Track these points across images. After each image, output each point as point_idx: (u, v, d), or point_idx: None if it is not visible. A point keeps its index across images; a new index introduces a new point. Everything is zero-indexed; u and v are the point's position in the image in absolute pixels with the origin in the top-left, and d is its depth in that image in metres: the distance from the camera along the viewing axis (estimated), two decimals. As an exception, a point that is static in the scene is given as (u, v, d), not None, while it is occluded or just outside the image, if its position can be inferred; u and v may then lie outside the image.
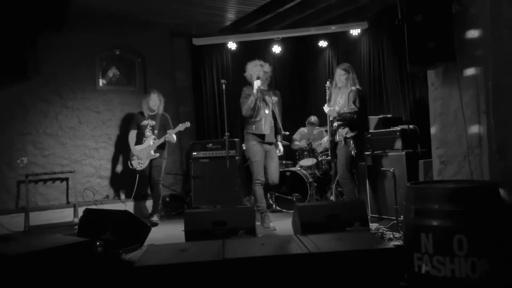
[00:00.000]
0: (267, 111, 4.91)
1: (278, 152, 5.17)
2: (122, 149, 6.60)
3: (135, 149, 5.86)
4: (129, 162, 5.90)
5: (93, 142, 6.46)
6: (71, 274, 3.14)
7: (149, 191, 6.24)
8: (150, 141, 5.81)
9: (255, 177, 4.86)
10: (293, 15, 6.51)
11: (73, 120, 6.33)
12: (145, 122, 5.88)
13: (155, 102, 5.87)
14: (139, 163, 5.81)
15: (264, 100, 4.92)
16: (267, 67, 5.01)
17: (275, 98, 5.06)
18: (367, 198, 5.19)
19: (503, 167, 3.12)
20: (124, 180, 6.60)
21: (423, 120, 4.89)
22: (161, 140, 5.77)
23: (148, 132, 5.87)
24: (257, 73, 4.85)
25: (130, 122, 6.28)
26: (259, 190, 4.87)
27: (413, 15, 3.29)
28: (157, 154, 5.79)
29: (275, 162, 5.02)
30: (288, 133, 5.43)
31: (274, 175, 5.01)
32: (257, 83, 4.78)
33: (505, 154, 3.13)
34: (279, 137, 5.19)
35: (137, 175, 5.85)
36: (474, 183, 3.07)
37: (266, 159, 4.96)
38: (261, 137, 4.90)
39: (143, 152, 5.80)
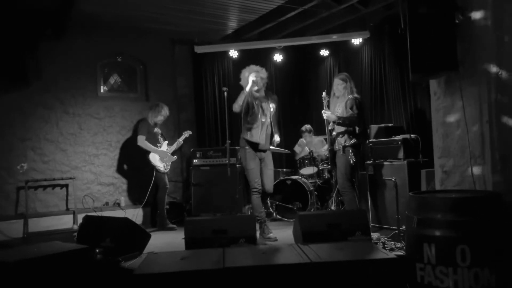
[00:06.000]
0: (263, 119, 4.84)
1: None
2: (123, 156, 6.60)
3: (161, 151, 5.96)
4: (154, 167, 5.87)
5: (93, 148, 6.44)
6: (70, 281, 3.11)
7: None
8: (165, 147, 6.05)
9: (251, 186, 4.78)
10: (295, 24, 6.54)
11: (74, 126, 6.32)
12: (156, 130, 6.07)
13: (166, 114, 6.14)
14: (164, 166, 5.96)
15: (261, 107, 4.85)
16: (263, 73, 4.91)
17: (273, 106, 4.95)
18: (368, 208, 5.16)
19: (506, 176, 3.11)
20: (125, 186, 6.61)
21: (424, 130, 4.89)
22: (175, 146, 6.11)
23: (160, 139, 6.10)
24: (253, 78, 4.75)
25: (132, 127, 6.50)
26: (256, 200, 4.78)
27: (416, 25, 3.29)
28: (175, 157, 6.13)
29: (269, 170, 4.93)
30: (278, 140, 5.04)
31: (268, 184, 4.92)
32: (251, 82, 4.71)
33: (508, 164, 3.12)
34: (273, 142, 5.01)
35: (152, 181, 5.89)
36: (477, 193, 3.05)
37: (261, 167, 4.87)
38: (255, 145, 4.80)
39: (166, 155, 5.99)
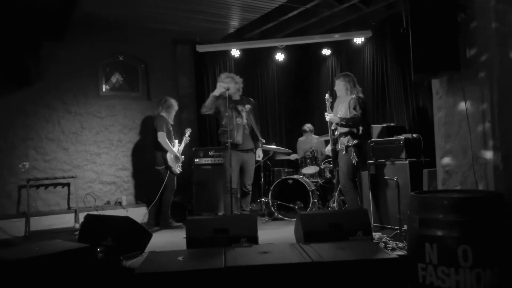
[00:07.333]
0: (239, 121, 5.21)
1: (258, 157, 5.49)
2: (124, 154, 6.61)
3: (175, 152, 5.78)
4: (169, 167, 5.65)
5: (95, 147, 6.45)
6: (71, 280, 3.11)
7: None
8: (177, 146, 5.91)
9: (228, 184, 5.06)
10: (297, 23, 6.53)
11: (76, 125, 6.33)
12: (171, 128, 5.87)
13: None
14: (177, 166, 5.82)
15: (236, 109, 5.20)
16: (238, 79, 5.34)
17: (248, 106, 5.33)
18: (369, 207, 5.15)
19: (508, 177, 3.10)
20: (127, 185, 6.62)
21: (426, 129, 4.88)
22: (184, 143, 5.99)
23: (173, 137, 5.91)
24: (226, 85, 5.12)
25: (133, 126, 6.48)
26: (228, 199, 5.04)
27: (418, 24, 3.28)
28: (183, 157, 6.00)
29: (249, 171, 5.35)
30: (264, 141, 5.55)
31: (247, 182, 5.35)
32: (219, 88, 5.11)
33: (510, 163, 3.11)
34: (258, 143, 5.44)
35: (164, 181, 5.63)
36: (479, 193, 3.04)
37: (243, 167, 5.29)
38: (235, 146, 5.15)
39: (179, 156, 5.87)
